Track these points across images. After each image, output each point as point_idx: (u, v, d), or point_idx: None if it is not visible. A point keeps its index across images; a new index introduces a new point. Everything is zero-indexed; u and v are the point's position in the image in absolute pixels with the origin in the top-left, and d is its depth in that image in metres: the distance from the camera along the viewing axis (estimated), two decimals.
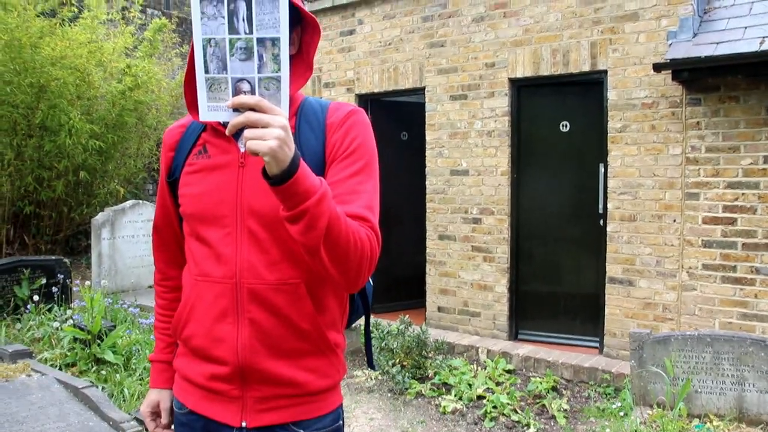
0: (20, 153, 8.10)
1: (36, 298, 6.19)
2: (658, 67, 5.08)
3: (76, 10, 8.61)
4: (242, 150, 1.31)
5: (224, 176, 1.47)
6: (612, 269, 5.78)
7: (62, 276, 6.52)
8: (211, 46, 1.15)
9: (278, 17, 1.13)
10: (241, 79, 1.16)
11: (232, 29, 1.14)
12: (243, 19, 1.13)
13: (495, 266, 6.47)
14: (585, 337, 6.18)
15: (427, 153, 6.93)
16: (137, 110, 8.79)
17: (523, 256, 6.47)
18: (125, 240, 7.08)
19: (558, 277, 6.34)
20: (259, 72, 1.15)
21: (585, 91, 6.07)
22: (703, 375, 4.08)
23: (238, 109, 1.15)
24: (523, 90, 6.34)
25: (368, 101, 7.51)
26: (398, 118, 7.69)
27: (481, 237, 6.55)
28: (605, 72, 5.73)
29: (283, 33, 1.14)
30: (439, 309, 6.90)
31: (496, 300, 6.48)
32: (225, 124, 1.21)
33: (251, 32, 1.14)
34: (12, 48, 7.51)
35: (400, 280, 7.63)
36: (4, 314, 6.34)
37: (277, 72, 1.16)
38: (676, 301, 5.50)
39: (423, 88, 6.93)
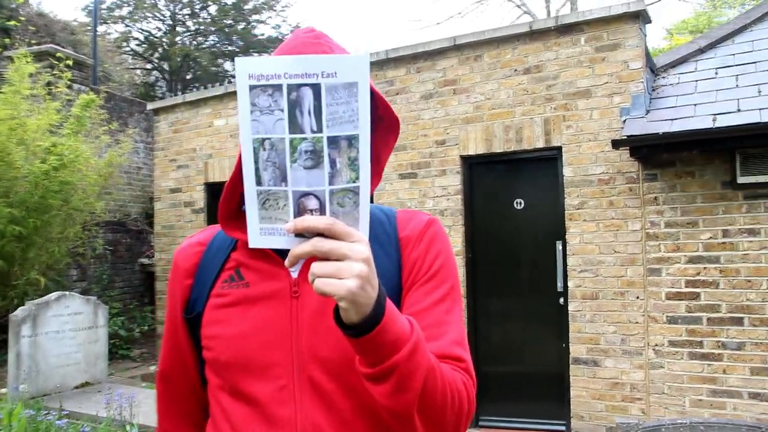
0: None
1: None
2: (617, 144, 5.06)
3: None
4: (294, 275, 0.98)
5: (272, 311, 1.12)
6: (576, 349, 5.58)
7: None
8: (265, 149, 0.85)
9: (356, 108, 0.84)
10: (306, 194, 0.86)
11: (294, 126, 0.84)
12: (309, 113, 0.83)
13: None
14: (550, 421, 5.89)
15: None
16: (62, 192, 8.17)
17: (480, 337, 6.19)
18: (49, 337, 6.38)
19: (519, 359, 6.09)
20: (330, 183, 0.85)
21: (539, 168, 6.00)
22: None
23: (302, 233, 0.85)
24: (476, 167, 6.23)
25: None
26: None
27: None
28: (560, 149, 5.68)
29: (364, 128, 0.84)
30: None
31: None
32: (283, 251, 0.90)
33: (320, 130, 0.84)
34: None
35: None
36: None
37: (355, 182, 0.86)
38: (643, 380, 5.32)
39: None
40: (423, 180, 6.39)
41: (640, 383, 5.34)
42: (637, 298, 5.34)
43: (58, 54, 9.62)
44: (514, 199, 6.09)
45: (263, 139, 0.84)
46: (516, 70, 5.91)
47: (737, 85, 5.28)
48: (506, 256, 6.12)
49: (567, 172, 5.63)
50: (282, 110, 0.83)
